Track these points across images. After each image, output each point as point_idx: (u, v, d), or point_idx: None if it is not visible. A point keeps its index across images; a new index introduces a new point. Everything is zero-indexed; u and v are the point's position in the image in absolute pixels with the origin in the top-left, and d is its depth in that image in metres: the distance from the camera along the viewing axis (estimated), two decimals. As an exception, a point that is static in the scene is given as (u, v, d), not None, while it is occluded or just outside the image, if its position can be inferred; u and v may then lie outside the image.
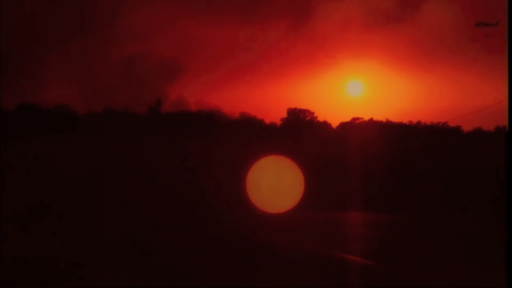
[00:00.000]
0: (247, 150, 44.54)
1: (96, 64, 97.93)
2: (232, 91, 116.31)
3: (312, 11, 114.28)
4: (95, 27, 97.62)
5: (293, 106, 75.94)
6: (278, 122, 74.96)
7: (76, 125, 57.27)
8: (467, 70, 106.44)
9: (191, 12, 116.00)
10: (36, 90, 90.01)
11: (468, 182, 42.08)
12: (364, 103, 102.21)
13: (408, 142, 57.21)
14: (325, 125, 74.85)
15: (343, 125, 73.24)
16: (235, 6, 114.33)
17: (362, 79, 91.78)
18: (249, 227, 24.44)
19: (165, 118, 66.62)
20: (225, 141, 51.79)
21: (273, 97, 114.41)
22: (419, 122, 74.36)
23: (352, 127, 71.18)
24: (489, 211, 31.15)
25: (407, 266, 15.38)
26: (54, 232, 20.06)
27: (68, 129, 52.26)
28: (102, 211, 28.03)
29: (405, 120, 74.55)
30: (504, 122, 56.66)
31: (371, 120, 74.61)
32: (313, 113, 75.71)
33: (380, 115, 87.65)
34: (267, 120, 74.27)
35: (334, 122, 75.55)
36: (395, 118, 75.63)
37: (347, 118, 75.35)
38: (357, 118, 74.72)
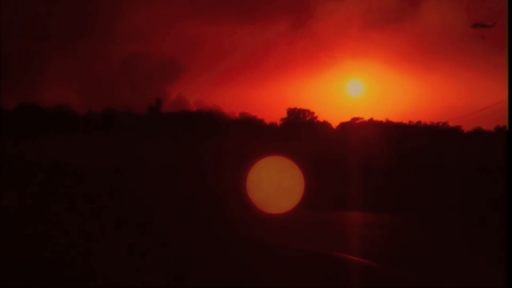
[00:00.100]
0: (247, 150, 44.54)
1: (96, 64, 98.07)
2: (232, 91, 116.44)
3: (312, 11, 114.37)
4: (95, 27, 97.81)
5: (293, 106, 76.14)
6: (278, 122, 75.13)
7: (76, 125, 57.31)
8: (467, 70, 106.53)
9: (191, 12, 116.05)
10: (36, 90, 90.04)
11: (468, 182, 42.08)
12: (364, 103, 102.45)
13: (408, 142, 57.23)
14: (325, 125, 74.96)
15: (343, 125, 73.34)
16: (235, 6, 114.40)
17: (362, 79, 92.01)
18: (249, 227, 24.44)
19: (165, 118, 66.70)
20: (225, 141, 51.81)
21: (273, 97, 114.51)
22: (419, 122, 74.52)
23: (352, 127, 71.26)
24: (489, 211, 31.16)
25: (407, 266, 15.39)
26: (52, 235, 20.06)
27: (68, 129, 52.31)
28: (102, 210, 28.02)
29: (405, 120, 74.78)
30: (504, 122, 56.70)
31: (371, 120, 74.74)
32: (313, 113, 75.85)
33: (380, 115, 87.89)
34: (267, 120, 74.45)
35: (334, 122, 75.76)
36: (395, 118, 75.89)
37: (347, 118, 75.57)
38: (357, 118, 74.86)
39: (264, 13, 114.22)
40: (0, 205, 25.02)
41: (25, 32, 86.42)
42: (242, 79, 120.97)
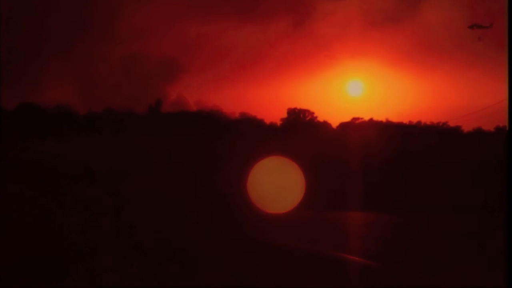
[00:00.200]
0: (247, 150, 44.54)
1: (96, 64, 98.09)
2: (232, 91, 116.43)
3: (312, 11, 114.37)
4: (95, 27, 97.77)
5: (293, 106, 76.11)
6: (278, 122, 75.10)
7: (76, 125, 57.31)
8: (467, 70, 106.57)
9: (191, 12, 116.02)
10: (36, 90, 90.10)
11: (468, 182, 42.11)
12: (364, 103, 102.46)
13: (408, 142, 57.24)
14: (325, 125, 74.94)
15: (343, 125, 73.32)
16: (235, 6, 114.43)
17: (362, 79, 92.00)
18: (249, 227, 24.46)
19: (165, 118, 66.69)
20: (225, 142, 51.83)
21: (273, 97, 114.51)
22: (419, 122, 74.50)
23: (352, 127, 71.25)
24: (489, 211, 31.17)
25: (407, 266, 15.39)
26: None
27: (68, 129, 52.30)
28: (102, 211, 28.03)
29: (405, 120, 74.75)
30: (504, 122, 56.73)
31: (371, 120, 74.74)
32: (313, 113, 75.83)
33: (380, 115, 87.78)
34: (267, 120, 74.43)
35: (334, 122, 75.71)
36: (395, 118, 75.82)
37: (347, 118, 75.55)
38: (357, 118, 74.86)
39: (264, 13, 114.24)
40: (0, 205, 25.00)
41: (25, 32, 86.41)
42: (242, 79, 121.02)
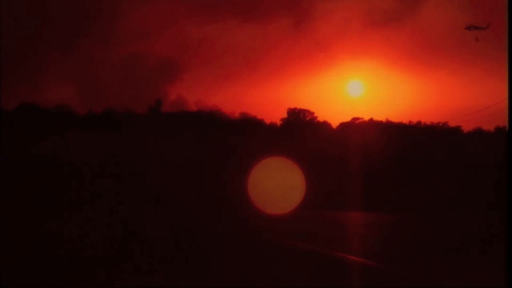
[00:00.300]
0: (247, 150, 44.54)
1: (96, 64, 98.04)
2: (232, 91, 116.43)
3: (312, 11, 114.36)
4: (95, 27, 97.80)
5: (293, 106, 76.05)
6: (278, 122, 75.05)
7: (76, 125, 57.28)
8: (468, 70, 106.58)
9: (191, 12, 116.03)
10: (36, 90, 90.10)
11: (468, 182, 42.11)
12: (364, 103, 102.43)
13: (408, 142, 57.22)
14: (325, 125, 74.89)
15: (343, 125, 73.29)
16: (235, 6, 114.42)
17: (362, 79, 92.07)
18: (249, 227, 24.46)
19: (165, 118, 66.65)
20: (225, 142, 51.82)
21: (273, 97, 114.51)
22: (419, 122, 74.44)
23: (352, 127, 71.20)
24: (489, 211, 31.16)
25: (407, 266, 15.39)
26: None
27: (68, 129, 52.26)
28: (106, 210, 28.07)
29: (405, 120, 74.70)
30: (504, 122, 56.76)
31: (371, 120, 74.70)
32: (313, 113, 75.77)
33: (380, 115, 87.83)
34: (267, 120, 74.39)
35: (334, 122, 75.67)
36: (395, 118, 75.81)
37: (347, 118, 75.50)
38: (357, 118, 74.82)
39: (264, 13, 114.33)
40: (0, 205, 25.03)
41: (26, 32, 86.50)
42: (242, 79, 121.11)
